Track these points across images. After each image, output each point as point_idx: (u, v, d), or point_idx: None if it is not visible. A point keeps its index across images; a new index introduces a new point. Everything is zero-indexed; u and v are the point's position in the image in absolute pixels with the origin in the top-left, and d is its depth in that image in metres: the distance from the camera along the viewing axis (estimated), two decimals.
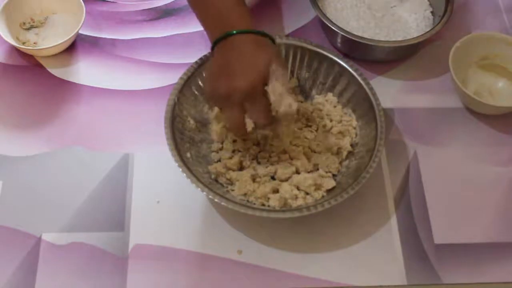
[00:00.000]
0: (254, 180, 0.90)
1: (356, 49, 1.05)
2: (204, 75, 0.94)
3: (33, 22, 1.10)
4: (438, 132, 1.01)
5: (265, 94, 0.83)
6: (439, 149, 0.99)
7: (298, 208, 0.87)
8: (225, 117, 0.87)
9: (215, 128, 0.91)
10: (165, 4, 1.15)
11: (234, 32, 0.84)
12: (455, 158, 0.98)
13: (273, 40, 0.88)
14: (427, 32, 1.03)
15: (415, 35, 1.04)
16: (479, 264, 0.89)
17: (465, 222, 0.93)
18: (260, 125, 0.87)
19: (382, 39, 1.05)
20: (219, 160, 0.93)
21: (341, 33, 1.02)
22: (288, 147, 0.93)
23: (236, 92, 0.82)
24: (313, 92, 1.00)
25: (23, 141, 0.99)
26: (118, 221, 0.91)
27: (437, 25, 1.03)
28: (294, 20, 1.12)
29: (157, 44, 1.10)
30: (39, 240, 0.90)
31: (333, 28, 1.03)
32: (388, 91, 1.04)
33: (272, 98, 0.83)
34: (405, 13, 1.09)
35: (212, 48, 0.87)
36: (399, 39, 1.05)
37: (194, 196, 0.93)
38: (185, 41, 1.10)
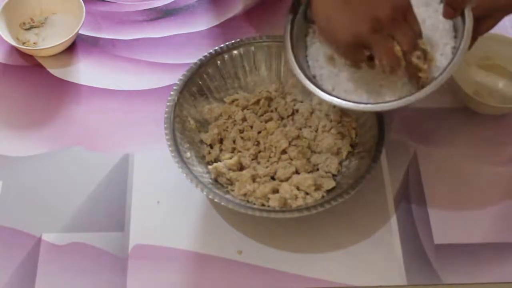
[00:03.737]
0: (254, 180, 0.90)
1: None
2: (320, 29, 0.83)
3: (33, 22, 1.10)
4: (438, 132, 1.01)
5: (411, 19, 0.79)
6: (439, 149, 0.99)
7: (298, 209, 0.87)
8: (377, 57, 0.80)
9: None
10: (165, 4, 1.15)
11: None
12: (455, 158, 0.98)
13: None
14: None
15: None
16: (479, 264, 0.89)
17: (465, 222, 0.93)
18: (409, 48, 0.80)
19: None
20: (217, 159, 0.93)
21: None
22: (288, 147, 0.93)
23: (385, 19, 0.77)
24: None
25: (23, 141, 0.99)
26: (118, 221, 0.92)
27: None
28: None
29: (157, 44, 1.10)
30: (39, 240, 0.90)
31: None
32: None
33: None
34: None
35: None
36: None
37: (194, 196, 0.93)
38: (185, 41, 1.10)
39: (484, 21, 0.83)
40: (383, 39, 0.78)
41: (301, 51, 0.89)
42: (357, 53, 0.81)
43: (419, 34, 0.81)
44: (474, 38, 0.84)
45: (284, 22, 0.88)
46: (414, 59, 0.80)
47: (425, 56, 0.82)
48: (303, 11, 0.88)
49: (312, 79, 0.87)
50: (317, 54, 0.89)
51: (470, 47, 0.84)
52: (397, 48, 0.79)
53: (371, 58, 0.82)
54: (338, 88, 0.86)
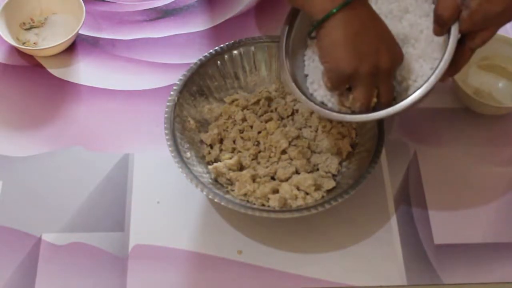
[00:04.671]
0: (254, 180, 0.90)
1: None
2: (325, 51, 0.82)
3: (33, 22, 1.10)
4: (438, 132, 1.01)
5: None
6: (439, 149, 0.99)
7: (298, 209, 0.87)
8: (356, 96, 0.82)
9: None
10: (165, 4, 1.15)
11: (334, 10, 0.79)
12: (455, 158, 0.98)
13: None
14: None
15: None
16: (479, 264, 0.89)
17: (465, 222, 0.93)
18: (386, 103, 0.84)
19: None
20: (217, 159, 0.93)
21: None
22: (288, 147, 0.93)
23: (382, 69, 0.80)
24: None
25: (23, 141, 0.99)
26: (118, 221, 0.92)
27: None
28: None
29: (157, 44, 1.10)
30: (39, 240, 0.90)
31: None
32: None
33: None
34: None
35: (321, 23, 0.80)
36: None
37: (194, 196, 0.93)
38: (185, 41, 1.10)
39: (478, 34, 0.82)
40: (371, 85, 0.82)
41: (299, 51, 0.90)
42: (342, 84, 0.82)
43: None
44: (471, 51, 0.84)
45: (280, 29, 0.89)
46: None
47: None
48: (310, 30, 0.85)
49: (300, 85, 0.88)
50: (315, 56, 0.89)
51: (466, 61, 0.84)
52: (374, 100, 0.83)
53: (348, 88, 0.84)
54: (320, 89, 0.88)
